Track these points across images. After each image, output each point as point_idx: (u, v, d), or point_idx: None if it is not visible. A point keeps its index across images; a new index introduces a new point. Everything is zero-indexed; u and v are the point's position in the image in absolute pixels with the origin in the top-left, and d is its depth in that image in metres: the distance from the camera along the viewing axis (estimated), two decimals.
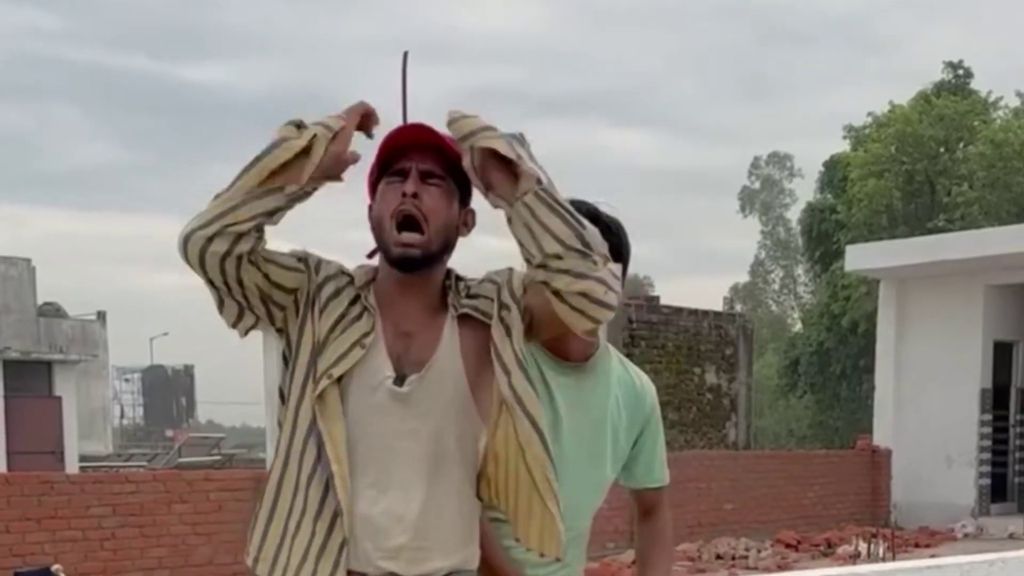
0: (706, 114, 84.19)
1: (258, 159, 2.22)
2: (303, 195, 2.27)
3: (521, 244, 2.30)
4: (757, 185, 50.32)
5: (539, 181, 2.30)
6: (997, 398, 17.57)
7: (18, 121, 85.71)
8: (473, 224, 2.46)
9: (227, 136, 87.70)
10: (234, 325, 2.37)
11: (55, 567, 6.07)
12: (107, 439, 34.74)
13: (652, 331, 18.12)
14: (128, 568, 11.77)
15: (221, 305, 2.33)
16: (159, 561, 12.00)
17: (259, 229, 2.25)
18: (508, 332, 2.34)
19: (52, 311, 31.50)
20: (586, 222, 2.32)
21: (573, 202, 2.43)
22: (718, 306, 31.56)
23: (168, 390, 52.48)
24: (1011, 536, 16.15)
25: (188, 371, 53.03)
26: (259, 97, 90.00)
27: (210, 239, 2.21)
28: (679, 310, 18.74)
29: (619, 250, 2.67)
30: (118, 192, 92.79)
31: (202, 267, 2.25)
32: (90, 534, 11.57)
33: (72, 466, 21.95)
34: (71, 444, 23.50)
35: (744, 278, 49.45)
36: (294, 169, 2.23)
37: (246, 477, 13.17)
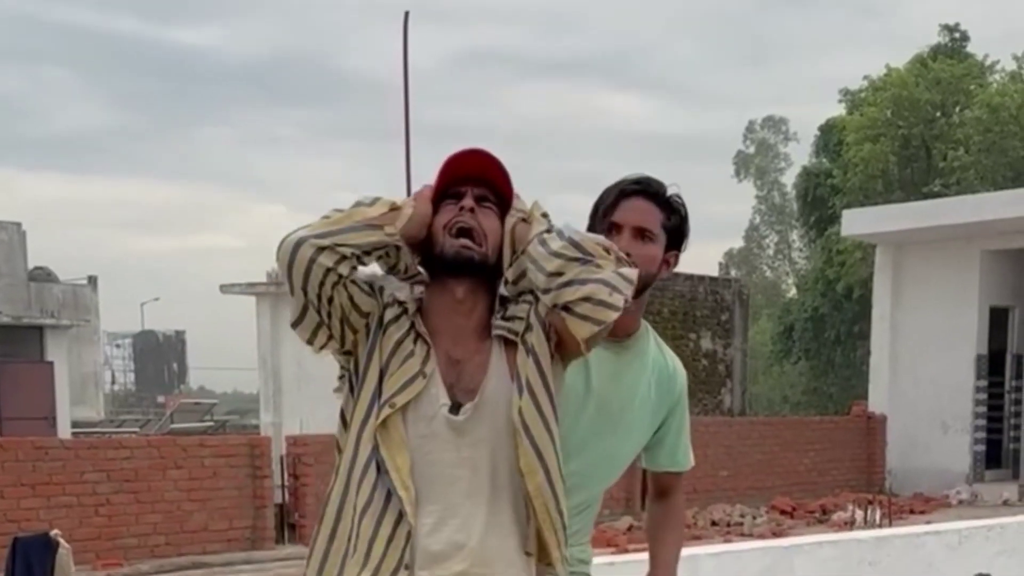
0: (704, 78, 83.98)
1: (359, 204, 2.36)
2: (394, 247, 2.37)
3: (533, 282, 2.36)
4: (752, 149, 50.06)
5: (548, 230, 2.38)
6: (993, 364, 17.57)
7: (7, 84, 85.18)
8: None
9: (219, 100, 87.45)
10: (309, 341, 2.41)
11: (54, 532, 6.01)
12: (99, 405, 34.71)
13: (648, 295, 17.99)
14: (123, 534, 11.75)
15: (301, 317, 2.37)
16: (154, 527, 11.98)
17: (358, 258, 2.33)
18: (528, 352, 2.36)
19: (43, 276, 31.36)
20: (584, 234, 2.38)
21: (643, 178, 2.59)
22: (713, 271, 31.42)
23: (159, 356, 52.44)
24: (1005, 502, 16.19)
25: (180, 336, 52.98)
26: (251, 60, 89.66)
27: (321, 249, 2.28)
28: (675, 275, 18.60)
29: (681, 232, 2.74)
30: (109, 156, 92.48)
31: (305, 274, 2.29)
32: (84, 500, 11.55)
33: (64, 432, 21.88)
34: (63, 410, 23.42)
35: (739, 243, 49.39)
36: (388, 220, 2.36)
37: (240, 443, 13.14)
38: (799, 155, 45.57)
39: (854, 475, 17.53)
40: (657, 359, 2.82)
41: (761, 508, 15.24)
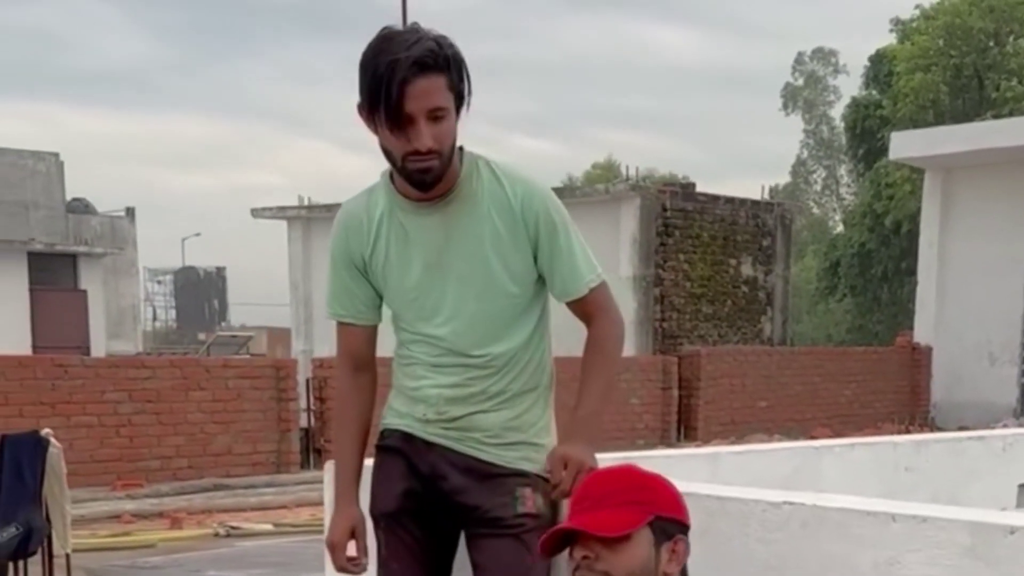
0: (751, 10, 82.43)
1: None
2: None
3: None
4: (800, 82, 49.04)
5: None
6: None
7: (48, 18, 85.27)
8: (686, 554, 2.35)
9: (258, 31, 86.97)
10: None
11: (45, 431, 5.73)
12: (136, 339, 34.67)
13: (687, 219, 17.59)
14: (145, 456, 11.57)
15: None
16: (176, 449, 11.78)
17: None
18: None
19: (81, 207, 31.20)
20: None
21: (416, 52, 2.42)
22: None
23: (200, 292, 52.47)
24: None
25: (220, 273, 52.97)
26: None
27: None
28: (715, 198, 18.16)
29: (463, 80, 2.54)
30: (149, 90, 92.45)
31: None
32: (105, 420, 11.35)
33: None
34: (98, 339, 23.37)
35: (785, 179, 48.53)
36: None
37: (266, 365, 12.91)
38: (849, 88, 44.52)
39: (897, 408, 17.07)
40: (495, 193, 2.63)
41: (800, 440, 14.84)
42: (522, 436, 2.69)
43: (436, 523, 2.73)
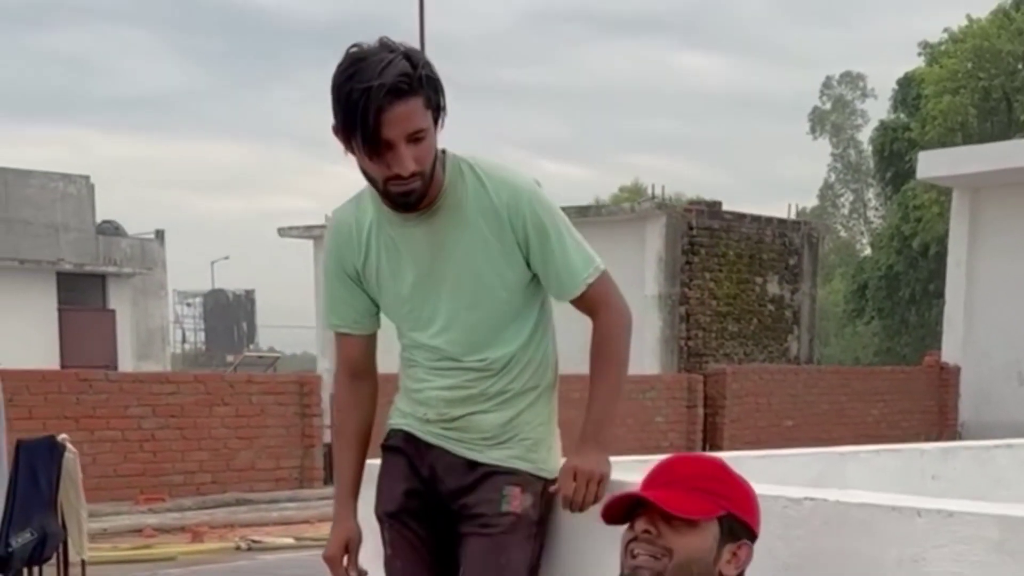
0: (780, 36, 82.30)
1: None
2: None
3: None
4: (828, 106, 48.91)
5: None
6: None
7: (85, 44, 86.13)
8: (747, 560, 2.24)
9: (286, 56, 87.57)
10: None
11: (61, 436, 5.72)
12: (165, 360, 34.78)
13: (713, 238, 17.50)
14: (168, 471, 11.56)
15: None
16: (200, 464, 11.77)
17: None
18: None
19: (111, 229, 31.37)
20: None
21: (389, 78, 2.35)
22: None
23: (229, 315, 52.62)
24: None
25: (249, 296, 53.11)
26: (321, 18, 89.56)
27: None
28: (741, 216, 18.08)
29: (438, 95, 2.47)
30: (181, 116, 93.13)
31: None
32: (129, 435, 11.36)
33: None
34: (125, 359, 23.46)
35: (812, 203, 48.32)
36: None
37: (289, 381, 12.89)
38: (877, 112, 44.34)
39: (924, 428, 16.90)
40: (478, 199, 2.57)
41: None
42: (520, 434, 2.65)
43: (438, 523, 2.71)
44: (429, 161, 2.47)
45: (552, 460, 2.70)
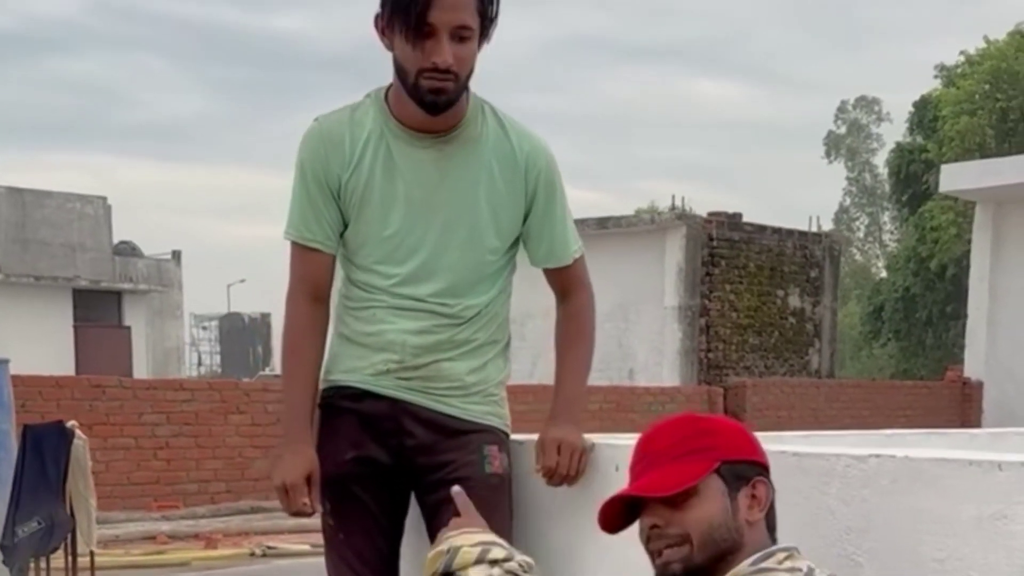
0: (797, 64, 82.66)
1: None
2: None
3: None
4: (843, 130, 48.84)
5: None
6: None
7: (105, 71, 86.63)
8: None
9: (308, 87, 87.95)
10: None
11: (71, 423, 5.54)
12: None
13: (733, 250, 17.35)
14: (182, 479, 11.42)
15: None
16: (215, 473, 11.62)
17: None
18: None
19: (128, 250, 31.43)
20: None
21: None
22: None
23: (245, 338, 52.67)
24: None
25: (265, 319, 53.12)
26: (339, 47, 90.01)
27: None
28: (762, 228, 17.94)
29: (490, 12, 2.40)
30: (200, 143, 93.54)
31: None
32: (143, 442, 11.23)
33: None
34: (140, 375, 23.39)
35: (827, 226, 48.16)
36: None
37: None
38: (892, 135, 44.21)
39: None
40: (499, 144, 2.48)
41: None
42: (485, 388, 2.55)
43: (390, 486, 2.54)
44: (466, 69, 2.35)
45: (509, 417, 2.63)
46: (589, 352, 2.62)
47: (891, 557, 2.06)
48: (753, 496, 1.91)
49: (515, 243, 2.57)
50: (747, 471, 1.92)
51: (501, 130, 2.49)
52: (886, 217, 45.43)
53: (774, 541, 1.94)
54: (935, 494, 1.99)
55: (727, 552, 1.88)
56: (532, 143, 2.51)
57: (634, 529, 2.01)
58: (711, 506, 1.88)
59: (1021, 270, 16.63)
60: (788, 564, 1.86)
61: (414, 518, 2.65)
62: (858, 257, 48.03)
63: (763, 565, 1.86)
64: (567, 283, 2.60)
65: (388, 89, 2.47)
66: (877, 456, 2.11)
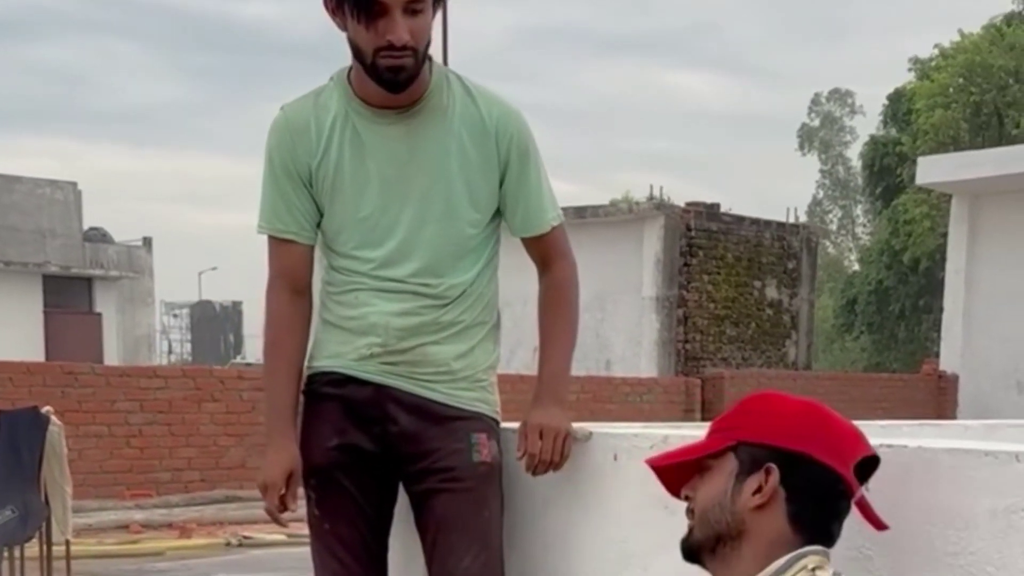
0: (773, 57, 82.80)
1: None
2: None
3: None
4: (817, 122, 49.03)
5: None
6: None
7: (75, 56, 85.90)
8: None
9: (278, 74, 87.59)
10: None
11: (46, 409, 5.40)
12: None
13: (711, 240, 17.32)
14: (156, 468, 11.30)
15: None
16: (188, 461, 11.51)
17: None
18: None
19: (98, 236, 31.15)
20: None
21: None
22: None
23: (216, 326, 52.51)
24: None
25: (236, 307, 52.95)
26: (309, 34, 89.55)
27: None
28: (740, 219, 17.93)
29: None
30: (170, 129, 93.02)
31: None
32: (116, 430, 11.10)
33: None
34: (111, 362, 23.23)
35: (801, 219, 48.34)
36: None
37: None
38: (865, 128, 44.44)
39: None
40: (467, 111, 2.41)
41: None
42: (473, 373, 2.47)
43: (376, 474, 2.46)
44: (423, 42, 2.29)
45: (499, 404, 2.55)
46: (572, 324, 2.53)
47: (902, 550, 1.98)
48: (763, 485, 1.81)
49: (496, 215, 2.50)
50: (766, 456, 1.81)
51: (468, 98, 2.42)
52: (859, 210, 45.65)
53: (803, 538, 1.83)
54: (950, 486, 1.92)
55: (724, 536, 1.81)
56: (501, 108, 2.43)
57: (629, 521, 1.96)
58: (713, 485, 1.83)
59: (997, 263, 16.68)
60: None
61: (402, 507, 2.58)
62: (831, 250, 48.18)
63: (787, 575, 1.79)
64: (546, 253, 2.52)
65: (350, 69, 2.41)
66: (889, 447, 2.02)
